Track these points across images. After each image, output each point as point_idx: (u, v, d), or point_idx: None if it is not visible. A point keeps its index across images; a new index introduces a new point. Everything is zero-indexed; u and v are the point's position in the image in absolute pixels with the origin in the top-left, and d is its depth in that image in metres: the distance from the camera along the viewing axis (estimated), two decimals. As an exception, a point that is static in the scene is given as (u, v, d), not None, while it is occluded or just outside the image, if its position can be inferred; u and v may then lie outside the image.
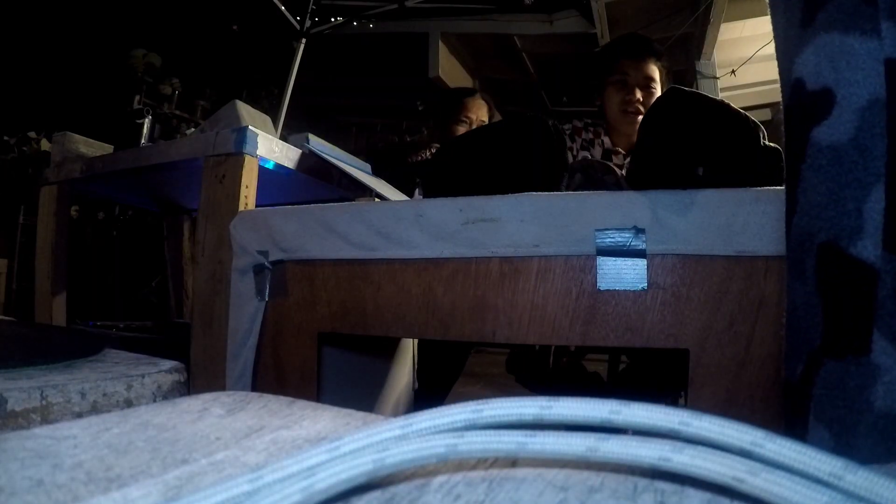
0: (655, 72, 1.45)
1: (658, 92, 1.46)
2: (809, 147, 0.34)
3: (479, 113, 1.89)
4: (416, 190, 1.65)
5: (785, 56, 0.37)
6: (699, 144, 0.80)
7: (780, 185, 0.77)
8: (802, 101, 0.35)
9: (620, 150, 1.49)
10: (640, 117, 1.41)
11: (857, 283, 0.32)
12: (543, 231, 0.81)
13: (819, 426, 0.33)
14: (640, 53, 1.46)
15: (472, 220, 0.84)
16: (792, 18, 0.36)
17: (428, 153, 1.86)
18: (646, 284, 0.77)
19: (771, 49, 0.41)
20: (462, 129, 1.86)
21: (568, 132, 1.49)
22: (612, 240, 0.78)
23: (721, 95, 3.58)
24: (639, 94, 1.43)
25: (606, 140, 1.50)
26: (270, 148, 1.14)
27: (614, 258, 0.78)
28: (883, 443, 0.30)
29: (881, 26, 0.31)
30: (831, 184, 0.33)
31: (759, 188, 0.74)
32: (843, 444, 0.31)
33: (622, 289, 0.78)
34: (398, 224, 0.88)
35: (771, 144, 0.82)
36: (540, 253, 0.81)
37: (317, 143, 1.27)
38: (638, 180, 0.85)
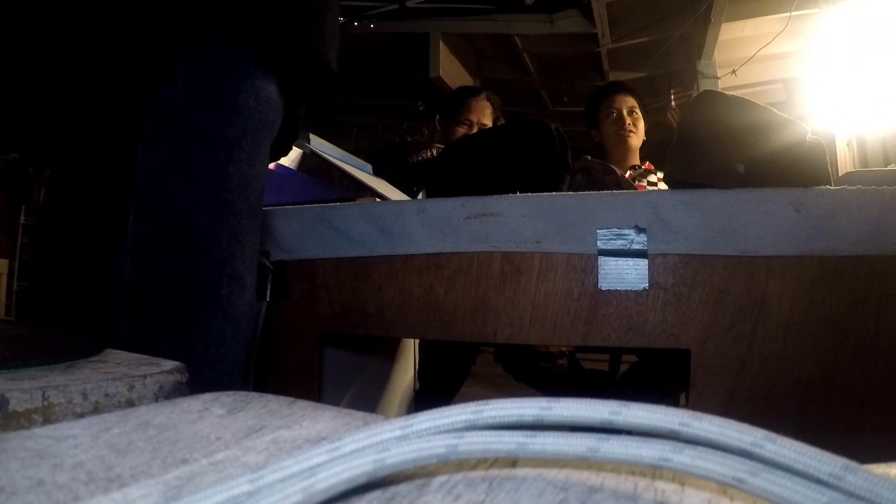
0: (635, 102, 1.82)
1: (640, 116, 1.83)
2: None
3: (482, 115, 1.85)
4: (420, 194, 1.63)
5: None
6: (740, 142, 0.79)
7: (824, 182, 0.76)
8: None
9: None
10: (632, 137, 1.76)
11: None
12: (545, 227, 0.81)
13: None
14: (619, 90, 1.84)
15: (474, 214, 0.84)
16: None
17: (429, 153, 1.84)
18: (647, 284, 0.77)
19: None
20: (462, 131, 1.82)
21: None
22: (614, 240, 0.78)
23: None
24: (627, 120, 1.77)
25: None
26: (271, 148, 1.13)
27: (616, 258, 0.78)
28: None
29: None
30: None
31: (759, 189, 0.74)
32: None
33: (623, 289, 0.78)
34: (399, 219, 0.88)
35: (815, 139, 0.80)
36: (541, 249, 0.81)
37: (317, 144, 1.27)
38: (676, 180, 0.84)
